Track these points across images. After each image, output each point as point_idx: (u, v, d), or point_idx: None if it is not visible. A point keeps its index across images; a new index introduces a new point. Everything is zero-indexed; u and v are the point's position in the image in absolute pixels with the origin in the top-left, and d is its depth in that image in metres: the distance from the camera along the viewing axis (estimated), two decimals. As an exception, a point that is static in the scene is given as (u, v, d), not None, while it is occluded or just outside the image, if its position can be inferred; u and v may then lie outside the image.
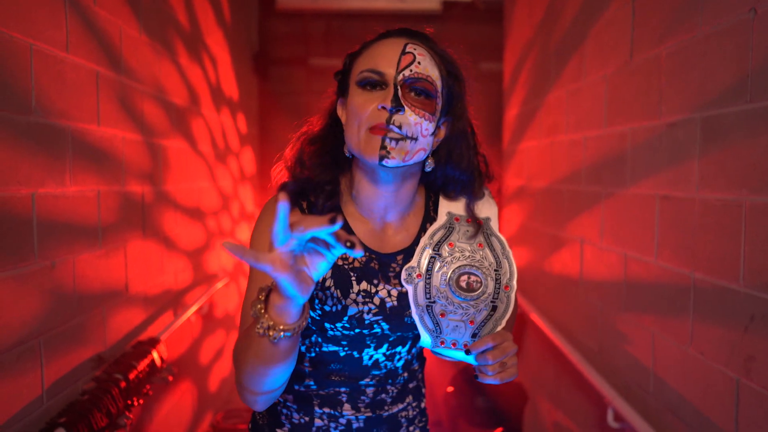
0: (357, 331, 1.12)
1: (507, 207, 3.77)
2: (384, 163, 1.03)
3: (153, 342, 2.13)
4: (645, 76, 1.90)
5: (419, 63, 1.06)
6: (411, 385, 1.27)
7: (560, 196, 2.75)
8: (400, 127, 1.02)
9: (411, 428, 1.28)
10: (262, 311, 0.88)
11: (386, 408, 1.22)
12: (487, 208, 1.18)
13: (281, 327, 0.87)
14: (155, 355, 2.08)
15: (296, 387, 1.20)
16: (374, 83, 1.06)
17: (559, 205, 2.76)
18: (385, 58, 1.06)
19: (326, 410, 1.19)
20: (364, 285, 1.12)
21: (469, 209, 1.17)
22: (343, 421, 1.19)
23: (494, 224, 1.16)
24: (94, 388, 1.75)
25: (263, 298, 0.89)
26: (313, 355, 1.19)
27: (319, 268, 0.84)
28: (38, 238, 1.57)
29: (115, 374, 1.82)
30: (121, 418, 1.78)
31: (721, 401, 1.51)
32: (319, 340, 1.17)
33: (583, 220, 2.44)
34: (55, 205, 1.64)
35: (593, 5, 2.33)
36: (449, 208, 1.17)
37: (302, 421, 1.20)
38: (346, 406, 1.19)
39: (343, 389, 1.19)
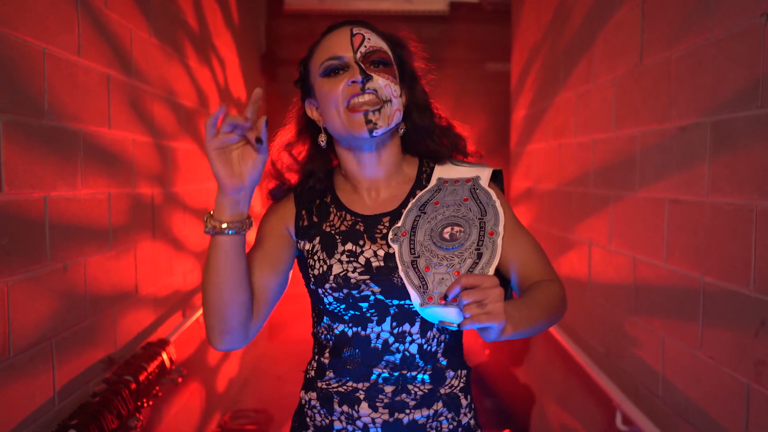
0: (345, 291, 1.14)
1: (514, 208, 3.77)
2: (374, 134, 1.12)
3: (162, 343, 2.14)
4: (655, 80, 1.90)
5: (369, 39, 1.17)
6: (442, 391, 1.19)
7: (568, 199, 2.74)
8: (376, 91, 1.12)
9: None
10: (210, 214, 1.06)
11: (407, 411, 1.16)
12: (479, 170, 1.23)
13: (219, 220, 1.04)
14: (165, 356, 2.09)
15: (318, 383, 1.22)
16: (337, 68, 1.15)
17: (567, 208, 2.76)
18: (339, 45, 1.16)
19: (344, 409, 1.18)
20: (349, 245, 1.17)
21: (464, 165, 1.24)
22: (359, 423, 1.17)
23: (484, 182, 1.20)
24: (105, 389, 1.76)
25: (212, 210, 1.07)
26: (330, 343, 1.21)
27: (249, 164, 1.01)
28: (50, 241, 1.58)
29: (125, 376, 1.83)
30: (132, 420, 1.80)
31: (731, 406, 1.50)
32: (329, 322, 1.20)
33: (592, 223, 2.44)
34: (66, 208, 1.66)
35: (602, 7, 2.33)
36: (441, 174, 1.24)
37: (324, 423, 1.21)
38: (363, 404, 1.17)
39: (360, 385, 1.17)
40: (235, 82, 3.59)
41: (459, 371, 1.23)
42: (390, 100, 1.14)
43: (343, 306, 1.16)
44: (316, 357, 1.24)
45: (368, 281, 1.14)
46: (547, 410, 3.09)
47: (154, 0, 2.29)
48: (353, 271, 1.14)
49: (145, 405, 1.91)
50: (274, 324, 4.41)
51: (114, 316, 1.94)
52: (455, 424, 1.21)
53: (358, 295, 1.14)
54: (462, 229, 1.10)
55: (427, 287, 1.05)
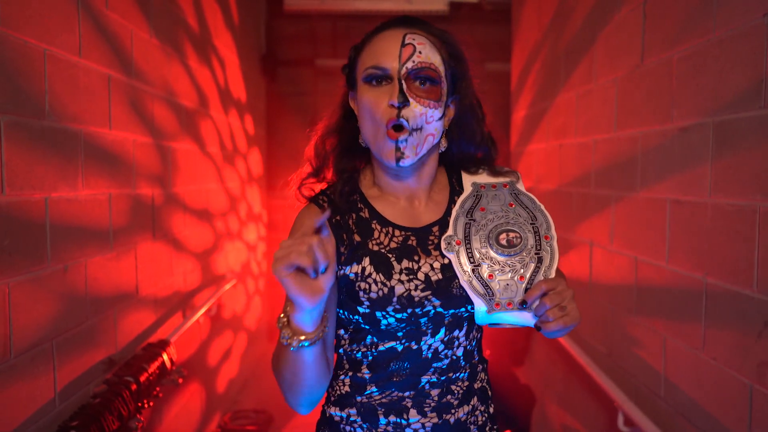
0: (409, 311, 1.10)
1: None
2: (401, 164, 1.09)
3: (163, 344, 2.14)
4: (656, 80, 1.90)
5: (420, 52, 1.09)
6: (476, 386, 1.21)
7: (569, 199, 2.74)
8: (408, 120, 1.07)
9: None
10: (286, 323, 0.98)
11: (453, 411, 1.17)
12: (509, 175, 1.22)
13: (300, 337, 0.97)
14: (165, 357, 2.09)
15: (358, 398, 1.17)
16: (379, 78, 1.10)
17: (568, 208, 2.76)
18: (387, 53, 1.09)
19: (392, 419, 1.15)
20: (405, 263, 1.12)
21: (493, 173, 1.22)
22: (409, 431, 1.15)
23: (520, 186, 1.20)
24: (106, 390, 1.75)
25: (286, 312, 0.99)
26: (370, 358, 1.16)
27: (326, 278, 0.92)
28: (51, 242, 1.57)
29: (125, 377, 1.83)
30: (133, 421, 1.79)
31: (734, 407, 1.50)
32: (375, 339, 1.15)
33: (593, 223, 2.44)
34: (67, 209, 1.65)
35: (603, 8, 2.33)
36: (473, 179, 1.21)
37: None
38: (412, 411, 1.15)
39: (407, 394, 1.15)
40: (235, 83, 3.58)
41: (484, 364, 1.26)
42: (421, 128, 1.08)
43: (403, 324, 1.12)
44: (350, 374, 1.18)
45: (430, 296, 1.10)
46: (548, 411, 3.09)
47: (155, 0, 2.29)
48: (416, 289, 1.10)
49: (146, 406, 1.91)
50: (274, 325, 4.40)
51: (114, 317, 1.94)
52: (486, 416, 1.23)
53: (420, 312, 1.11)
54: (518, 235, 1.10)
55: (493, 294, 1.06)
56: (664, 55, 1.84)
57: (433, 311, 1.11)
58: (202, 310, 2.68)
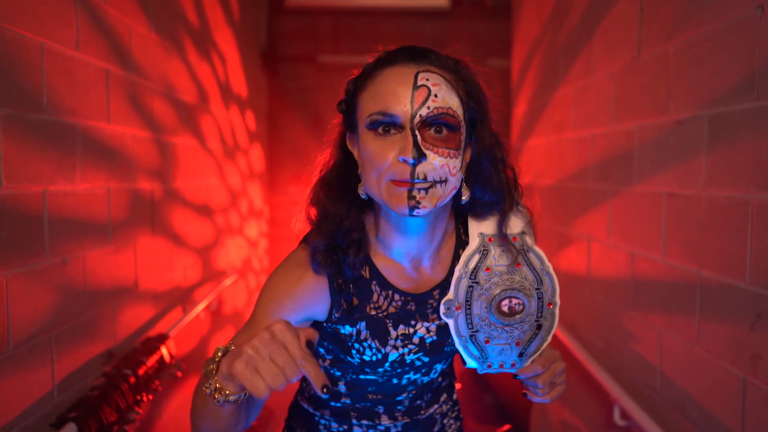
0: (399, 370, 1.13)
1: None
2: (415, 213, 0.94)
3: (162, 338, 2.15)
4: (653, 73, 1.89)
5: (435, 96, 0.93)
6: (444, 384, 1.27)
7: (568, 194, 2.74)
8: (425, 178, 0.92)
9: (445, 420, 1.28)
10: (213, 372, 0.87)
11: (422, 412, 1.23)
12: (519, 222, 1.10)
13: (227, 392, 0.85)
14: (164, 351, 2.10)
15: (333, 404, 1.20)
16: (387, 125, 0.94)
17: (567, 203, 2.76)
18: (396, 97, 0.93)
19: (364, 422, 1.21)
20: (401, 329, 1.07)
21: (501, 228, 1.08)
22: (381, 428, 1.21)
23: (529, 238, 1.09)
24: (104, 383, 1.77)
25: (218, 359, 0.87)
26: (349, 379, 1.17)
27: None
28: (49, 235, 1.59)
29: (124, 370, 1.84)
30: (131, 414, 1.80)
31: (727, 399, 1.50)
32: (357, 371, 1.16)
33: (591, 218, 2.44)
34: (65, 202, 1.66)
35: (601, 1, 2.32)
36: (480, 228, 1.08)
37: (341, 430, 1.22)
38: (384, 417, 1.21)
39: (379, 401, 1.21)
40: (236, 79, 3.59)
41: (453, 360, 1.30)
42: (445, 181, 0.94)
43: (388, 372, 1.13)
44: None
45: (422, 356, 1.11)
46: (547, 406, 3.09)
47: (154, -4, 2.30)
48: (409, 353, 1.09)
49: (145, 399, 1.92)
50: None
51: (113, 310, 1.95)
52: (451, 403, 1.30)
53: (409, 369, 1.12)
54: (520, 302, 1.06)
55: (487, 357, 1.08)
56: (660, 48, 1.84)
57: (420, 364, 1.14)
58: (202, 305, 2.69)
